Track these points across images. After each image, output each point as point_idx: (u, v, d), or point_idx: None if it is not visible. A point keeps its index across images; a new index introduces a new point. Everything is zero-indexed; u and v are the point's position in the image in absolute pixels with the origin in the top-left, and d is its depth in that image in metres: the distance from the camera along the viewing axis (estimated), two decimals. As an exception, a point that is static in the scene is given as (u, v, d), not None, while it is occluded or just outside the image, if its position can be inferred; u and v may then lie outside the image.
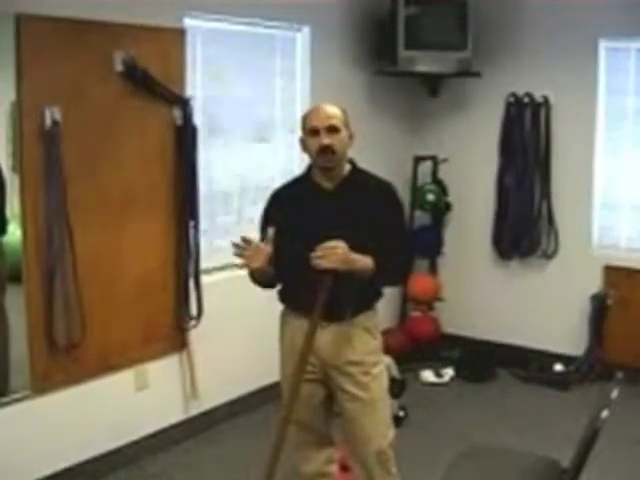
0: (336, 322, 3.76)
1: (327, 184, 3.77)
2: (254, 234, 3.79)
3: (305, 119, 3.75)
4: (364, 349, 3.82)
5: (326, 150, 3.65)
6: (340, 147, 3.68)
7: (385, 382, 3.94)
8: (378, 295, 3.92)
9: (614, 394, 3.62)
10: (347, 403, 3.84)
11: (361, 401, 3.82)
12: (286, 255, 3.65)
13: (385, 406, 3.90)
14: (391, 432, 3.91)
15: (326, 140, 3.64)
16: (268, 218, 3.84)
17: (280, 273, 3.77)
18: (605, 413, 3.47)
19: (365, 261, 3.59)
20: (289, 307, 3.92)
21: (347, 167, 3.81)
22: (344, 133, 3.70)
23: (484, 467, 3.90)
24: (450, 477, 3.74)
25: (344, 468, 4.29)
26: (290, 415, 3.68)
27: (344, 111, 3.76)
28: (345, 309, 3.75)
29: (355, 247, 3.55)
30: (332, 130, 3.65)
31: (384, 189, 3.85)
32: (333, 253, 3.50)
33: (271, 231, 3.62)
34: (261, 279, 3.80)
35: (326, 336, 3.77)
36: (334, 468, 4.07)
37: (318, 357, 3.80)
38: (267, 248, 3.61)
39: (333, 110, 3.71)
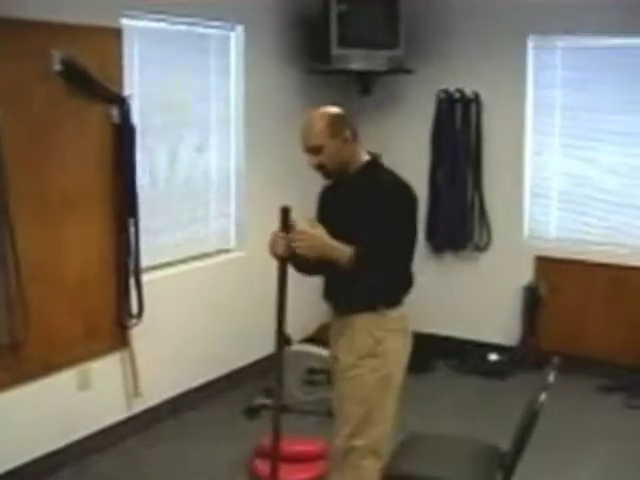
0: (340, 316, 3.91)
1: (339, 181, 3.90)
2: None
3: None
4: (345, 347, 3.87)
5: (315, 168, 3.80)
6: (329, 160, 3.77)
7: (366, 387, 3.81)
8: (378, 298, 3.81)
9: (551, 378, 3.74)
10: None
11: (336, 395, 3.94)
12: None
13: (353, 409, 3.81)
14: (359, 440, 3.80)
15: (311, 162, 3.80)
16: None
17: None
18: (543, 396, 3.60)
19: (341, 250, 3.65)
20: None
21: (364, 161, 3.86)
22: (331, 145, 3.74)
23: (425, 454, 3.99)
24: (392, 465, 3.81)
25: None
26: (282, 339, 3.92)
27: (330, 119, 3.76)
28: (341, 304, 3.89)
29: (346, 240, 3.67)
30: (315, 150, 3.76)
31: (383, 187, 3.80)
32: (300, 239, 3.66)
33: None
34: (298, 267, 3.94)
35: (334, 327, 3.97)
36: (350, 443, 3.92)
37: None
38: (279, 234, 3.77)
39: (313, 129, 3.75)
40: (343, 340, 3.88)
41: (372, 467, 3.83)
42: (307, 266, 3.88)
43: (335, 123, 3.77)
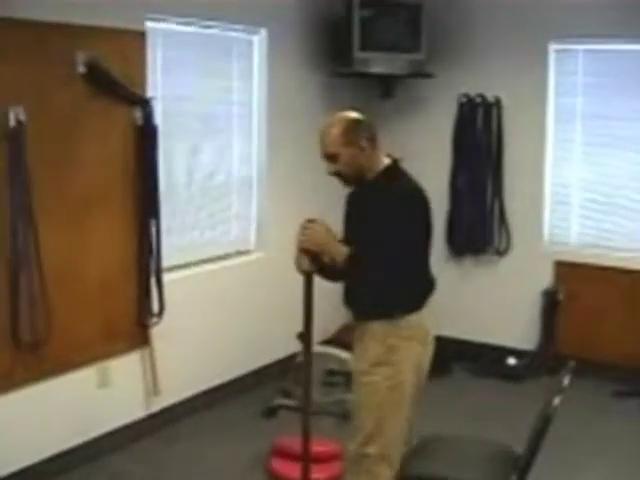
0: (358, 322, 3.92)
1: (361, 187, 3.91)
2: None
3: None
4: (360, 353, 3.90)
5: (332, 175, 3.81)
6: (345, 168, 3.76)
7: (379, 394, 3.80)
8: (393, 305, 3.78)
9: (566, 382, 3.76)
10: None
11: (353, 398, 3.98)
12: None
13: (366, 417, 3.83)
14: (371, 447, 3.81)
15: (328, 169, 3.80)
16: None
17: None
18: (557, 400, 3.62)
19: (339, 251, 3.71)
20: None
21: (382, 167, 3.84)
22: (346, 153, 3.73)
23: (440, 455, 4.01)
24: (407, 466, 3.83)
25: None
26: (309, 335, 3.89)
27: (346, 127, 3.74)
28: (358, 311, 3.92)
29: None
30: (330, 158, 3.76)
31: (392, 193, 3.78)
32: (303, 233, 3.73)
33: None
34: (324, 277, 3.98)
35: (355, 332, 3.95)
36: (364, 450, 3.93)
37: None
38: None
39: (328, 136, 3.74)
40: (359, 346, 3.90)
41: (384, 474, 3.85)
42: (333, 276, 3.90)
43: (351, 131, 3.73)
